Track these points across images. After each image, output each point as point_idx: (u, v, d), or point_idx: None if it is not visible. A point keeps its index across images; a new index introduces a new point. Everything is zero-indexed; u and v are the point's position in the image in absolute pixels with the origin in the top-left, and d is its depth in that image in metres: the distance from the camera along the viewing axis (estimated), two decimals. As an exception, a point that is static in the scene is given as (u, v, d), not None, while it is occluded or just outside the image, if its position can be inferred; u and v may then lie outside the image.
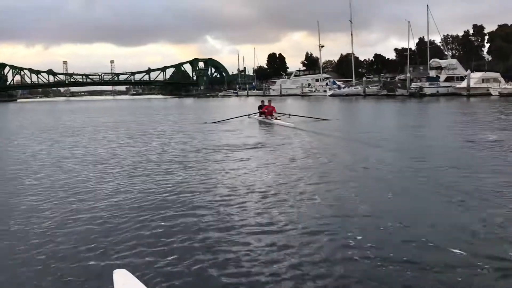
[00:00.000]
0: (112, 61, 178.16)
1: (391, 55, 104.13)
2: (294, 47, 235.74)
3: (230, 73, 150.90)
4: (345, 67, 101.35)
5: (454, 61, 63.74)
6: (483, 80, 57.74)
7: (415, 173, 8.52)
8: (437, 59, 65.44)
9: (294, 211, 6.01)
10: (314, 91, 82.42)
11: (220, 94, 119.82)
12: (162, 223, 5.51)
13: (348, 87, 77.31)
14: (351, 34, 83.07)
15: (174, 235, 5.06)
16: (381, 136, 15.26)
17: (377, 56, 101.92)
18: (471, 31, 79.21)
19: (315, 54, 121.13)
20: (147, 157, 11.39)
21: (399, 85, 66.43)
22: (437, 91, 60.47)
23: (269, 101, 22.85)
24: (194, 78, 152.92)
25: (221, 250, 4.59)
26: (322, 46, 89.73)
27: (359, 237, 4.88)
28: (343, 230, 5.12)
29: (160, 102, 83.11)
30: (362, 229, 5.18)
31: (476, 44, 79.13)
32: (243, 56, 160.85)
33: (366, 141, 13.84)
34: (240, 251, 4.56)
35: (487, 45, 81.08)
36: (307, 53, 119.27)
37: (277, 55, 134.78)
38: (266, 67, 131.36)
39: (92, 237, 5.07)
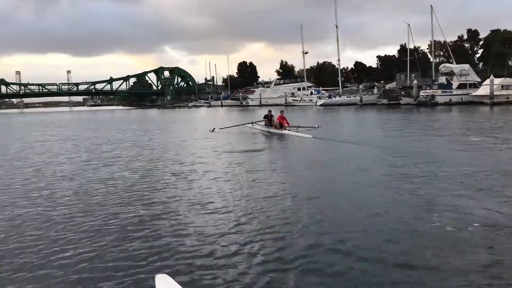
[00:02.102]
0: (68, 71, 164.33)
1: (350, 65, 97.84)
2: (253, 57, 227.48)
3: (197, 82, 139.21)
4: (323, 75, 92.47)
5: (467, 66, 55.00)
6: (503, 87, 49.08)
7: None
8: (448, 64, 56.61)
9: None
10: (300, 100, 71.92)
11: (190, 104, 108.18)
12: (203, 229, 5.41)
13: (340, 96, 67.62)
14: (337, 40, 73.47)
15: (216, 240, 4.95)
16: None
17: (358, 64, 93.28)
18: (465, 36, 71.50)
19: (290, 62, 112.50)
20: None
21: (403, 93, 57.12)
22: (450, 100, 51.37)
23: (281, 111, 19.90)
24: (159, 87, 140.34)
25: (266, 256, 4.47)
26: (306, 53, 79.92)
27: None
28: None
29: (123, 114, 71.60)
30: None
31: (468, 50, 71.14)
32: (215, 64, 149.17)
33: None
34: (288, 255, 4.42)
35: (480, 51, 73.37)
36: (282, 61, 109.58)
37: (248, 64, 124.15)
38: (236, 76, 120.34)
39: (134, 241, 4.99)
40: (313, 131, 18.61)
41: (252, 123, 20.85)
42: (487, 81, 49.51)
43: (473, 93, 50.07)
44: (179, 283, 3.66)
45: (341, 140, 16.56)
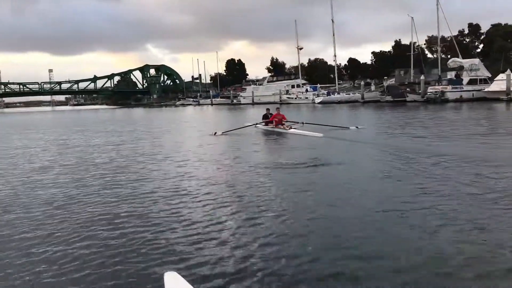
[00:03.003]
0: (50, 70, 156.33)
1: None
2: (236, 55, 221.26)
3: (184, 80, 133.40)
4: (315, 72, 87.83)
5: (477, 60, 50.80)
6: (517, 82, 45.07)
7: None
8: (457, 59, 52.26)
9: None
10: (295, 98, 67.17)
11: (178, 103, 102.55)
12: (212, 226, 5.29)
13: (338, 93, 63.18)
14: (333, 35, 68.75)
15: (226, 238, 4.85)
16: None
17: (352, 61, 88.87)
18: (466, 31, 67.56)
19: (280, 59, 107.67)
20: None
21: (408, 89, 52.89)
22: (461, 96, 47.20)
23: (278, 108, 19.64)
24: (145, 86, 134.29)
25: (278, 254, 4.33)
26: (301, 48, 75.04)
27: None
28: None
29: (108, 113, 66.29)
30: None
31: (468, 44, 67.23)
32: (203, 61, 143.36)
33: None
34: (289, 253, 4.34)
35: (480, 46, 69.54)
36: (272, 58, 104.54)
37: (236, 61, 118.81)
38: (225, 73, 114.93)
39: (143, 238, 4.92)
40: (324, 131, 16.38)
41: (256, 124, 19.58)
42: (501, 76, 45.40)
43: (486, 89, 45.93)
44: (188, 280, 3.65)
45: (357, 140, 14.51)
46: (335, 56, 69.87)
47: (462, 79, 48.39)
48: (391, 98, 53.24)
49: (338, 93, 62.83)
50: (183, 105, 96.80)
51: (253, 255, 4.34)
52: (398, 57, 75.18)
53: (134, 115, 55.75)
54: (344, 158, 10.41)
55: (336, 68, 70.66)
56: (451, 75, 49.95)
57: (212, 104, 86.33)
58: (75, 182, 8.49)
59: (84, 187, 8.03)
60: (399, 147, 12.13)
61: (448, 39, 67.09)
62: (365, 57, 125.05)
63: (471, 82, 48.42)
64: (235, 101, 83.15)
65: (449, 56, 75.83)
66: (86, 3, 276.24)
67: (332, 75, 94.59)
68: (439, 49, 55.57)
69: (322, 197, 6.71)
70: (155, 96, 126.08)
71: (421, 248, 4.38)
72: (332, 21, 68.46)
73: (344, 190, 7.11)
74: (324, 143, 14.01)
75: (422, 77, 51.00)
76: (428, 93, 48.65)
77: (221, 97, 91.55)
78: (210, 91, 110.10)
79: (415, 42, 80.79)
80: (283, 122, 18.17)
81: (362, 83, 60.80)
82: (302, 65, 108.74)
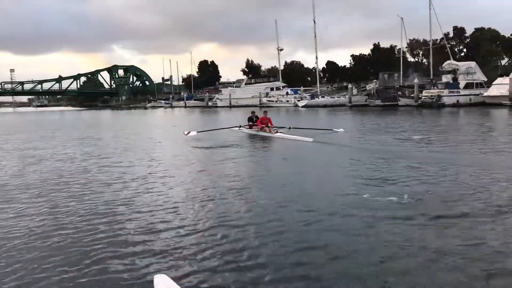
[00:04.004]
0: (12, 70, 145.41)
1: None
2: (206, 58, 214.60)
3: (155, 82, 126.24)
4: (292, 75, 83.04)
5: (473, 63, 47.09)
6: (516, 86, 41.46)
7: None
8: (453, 61, 48.46)
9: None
10: (276, 101, 62.04)
11: (149, 105, 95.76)
12: (203, 230, 5.27)
13: (323, 97, 58.59)
14: (315, 36, 64.05)
15: (216, 241, 4.84)
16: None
17: (330, 64, 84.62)
18: (451, 34, 64.27)
19: (256, 62, 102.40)
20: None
21: (400, 93, 48.75)
22: (457, 101, 43.30)
23: (265, 112, 17.97)
24: (113, 87, 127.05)
25: (263, 258, 4.34)
26: (281, 50, 69.82)
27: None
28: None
29: (74, 115, 60.73)
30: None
31: (451, 49, 63.93)
32: (176, 62, 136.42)
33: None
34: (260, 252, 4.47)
35: (464, 50, 66.45)
36: (248, 60, 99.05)
37: (209, 63, 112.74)
38: (197, 75, 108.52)
39: (133, 241, 4.90)
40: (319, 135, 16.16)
41: (240, 126, 18.32)
42: (500, 80, 41.80)
43: (485, 94, 42.18)
44: (178, 283, 3.66)
45: (349, 145, 13.73)
46: (316, 58, 65.71)
47: (459, 83, 44.51)
48: (381, 102, 49.18)
49: (323, 97, 58.19)
50: (154, 107, 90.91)
51: (240, 257, 4.39)
52: (378, 61, 72.09)
53: (101, 118, 50.44)
54: (338, 164, 9.95)
55: (317, 71, 66.13)
56: (447, 78, 46.00)
57: (186, 107, 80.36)
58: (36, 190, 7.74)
59: (44, 197, 7.31)
60: (401, 154, 11.25)
61: (433, 42, 64.17)
62: (339, 61, 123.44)
63: (468, 86, 44.69)
64: (210, 103, 77.17)
65: (431, 60, 73.49)
66: (50, 3, 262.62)
67: (309, 78, 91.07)
68: (431, 51, 51.46)
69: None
70: (124, 97, 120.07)
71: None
72: (314, 21, 63.92)
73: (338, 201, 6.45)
74: (314, 148, 13.37)
75: (416, 80, 46.91)
76: (423, 97, 44.53)
77: (194, 99, 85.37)
78: (182, 93, 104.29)
79: (395, 45, 78.35)
80: (269, 126, 17.07)
81: (350, 86, 56.30)
82: (274, 68, 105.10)
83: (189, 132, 16.29)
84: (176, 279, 3.72)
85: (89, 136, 20.25)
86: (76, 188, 7.95)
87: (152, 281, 3.64)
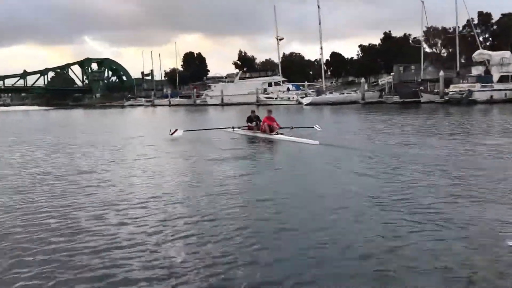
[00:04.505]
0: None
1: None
2: (189, 50, 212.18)
3: (133, 77, 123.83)
4: (292, 69, 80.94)
5: (508, 53, 45.06)
6: None
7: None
8: (484, 51, 46.62)
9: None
10: (276, 98, 59.89)
11: (127, 103, 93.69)
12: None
13: (331, 93, 56.65)
14: (319, 23, 61.92)
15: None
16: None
17: (335, 55, 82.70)
18: (475, 20, 62.51)
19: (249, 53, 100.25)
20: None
21: (422, 88, 46.91)
22: (491, 96, 41.47)
23: (269, 111, 17.23)
24: (86, 83, 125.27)
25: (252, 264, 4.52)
26: (281, 39, 67.66)
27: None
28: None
29: (41, 116, 58.75)
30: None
31: (472, 37, 62.33)
32: (159, 54, 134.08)
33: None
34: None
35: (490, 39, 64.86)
36: (240, 51, 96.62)
37: (195, 55, 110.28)
38: (182, 69, 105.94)
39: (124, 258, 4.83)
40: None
41: (233, 127, 18.36)
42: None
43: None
44: None
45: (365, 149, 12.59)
46: (321, 48, 63.26)
47: (492, 76, 42.68)
48: (399, 98, 47.34)
49: (331, 93, 56.15)
50: (133, 106, 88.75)
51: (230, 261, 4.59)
52: (390, 51, 70.39)
53: (72, 119, 47.93)
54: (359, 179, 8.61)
55: (322, 63, 64.18)
56: (478, 70, 44.14)
57: (170, 105, 78.08)
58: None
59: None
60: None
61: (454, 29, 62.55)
62: (344, 53, 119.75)
63: (502, 79, 42.82)
64: (198, 101, 74.92)
65: (450, 50, 71.86)
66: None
67: (311, 72, 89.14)
68: (457, 39, 49.63)
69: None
70: (98, 95, 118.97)
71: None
72: (318, 6, 61.86)
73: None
74: (321, 153, 12.61)
75: (441, 73, 44.96)
76: (451, 93, 42.62)
77: (180, 97, 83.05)
78: (165, 89, 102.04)
79: (409, 34, 76.94)
80: (274, 129, 16.23)
81: (363, 80, 54.34)
82: (269, 60, 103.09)
83: (175, 131, 16.17)
84: None
85: (59, 143, 17.89)
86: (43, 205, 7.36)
87: None
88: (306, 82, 64.76)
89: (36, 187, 8.78)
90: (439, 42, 69.86)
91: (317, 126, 18.10)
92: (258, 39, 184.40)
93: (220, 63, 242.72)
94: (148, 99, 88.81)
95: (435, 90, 46.09)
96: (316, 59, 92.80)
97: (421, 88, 46.51)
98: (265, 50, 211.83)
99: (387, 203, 6.69)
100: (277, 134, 15.86)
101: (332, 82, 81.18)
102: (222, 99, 68.47)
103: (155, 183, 8.68)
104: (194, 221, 5.99)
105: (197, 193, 7.60)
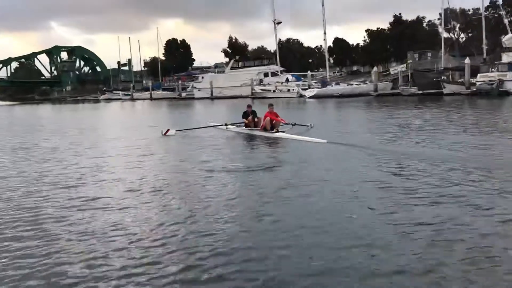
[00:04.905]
0: None
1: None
2: (170, 37, 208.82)
3: (108, 67, 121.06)
4: (289, 57, 78.64)
5: (544, 37, 43.39)
6: None
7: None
8: (518, 34, 44.70)
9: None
10: (274, 90, 57.50)
11: (102, 97, 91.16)
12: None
13: (338, 84, 54.43)
14: (322, 5, 59.70)
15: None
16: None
17: (338, 42, 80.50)
18: (499, 1, 60.55)
19: (241, 40, 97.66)
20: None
21: (444, 77, 44.85)
22: (525, 87, 39.56)
23: (271, 105, 16.50)
24: (54, 74, 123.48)
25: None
26: (279, 23, 64.93)
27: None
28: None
29: (3, 113, 55.60)
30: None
31: (496, 20, 60.51)
32: (138, 40, 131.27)
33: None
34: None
35: None
36: (230, 37, 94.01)
37: (179, 42, 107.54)
38: (164, 58, 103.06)
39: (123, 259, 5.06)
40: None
41: (226, 124, 17.59)
42: None
43: None
44: None
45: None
46: (325, 33, 60.91)
47: (526, 63, 40.72)
48: (418, 89, 45.33)
49: (338, 84, 53.84)
50: (109, 100, 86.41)
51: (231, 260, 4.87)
52: (403, 35, 68.70)
53: (39, 116, 45.33)
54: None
55: (327, 49, 61.80)
56: (510, 56, 42.04)
57: (152, 99, 75.42)
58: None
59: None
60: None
61: (474, 11, 60.83)
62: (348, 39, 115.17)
63: (537, 67, 40.84)
64: (184, 94, 72.33)
65: (470, 35, 70.12)
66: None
67: (310, 60, 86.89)
68: (483, 21, 47.50)
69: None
70: (68, 88, 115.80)
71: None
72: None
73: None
74: (332, 153, 11.99)
75: (467, 60, 42.86)
76: (478, 83, 40.52)
77: (163, 90, 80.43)
78: (145, 81, 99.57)
79: (423, 17, 75.10)
80: (276, 128, 15.91)
81: (375, 69, 52.09)
82: (263, 48, 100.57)
83: (167, 131, 16.38)
84: None
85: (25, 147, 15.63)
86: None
87: None
88: (309, 71, 62.11)
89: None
90: (457, 26, 67.76)
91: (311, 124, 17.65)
92: (247, 24, 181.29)
93: (205, 52, 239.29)
94: (126, 92, 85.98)
95: (459, 80, 43.97)
96: (316, 46, 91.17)
97: (443, 78, 44.31)
98: (255, 37, 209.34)
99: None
100: (278, 132, 15.48)
101: (335, 72, 79.18)
102: (212, 91, 65.78)
103: (143, 199, 7.90)
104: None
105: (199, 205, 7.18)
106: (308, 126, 17.12)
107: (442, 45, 51.02)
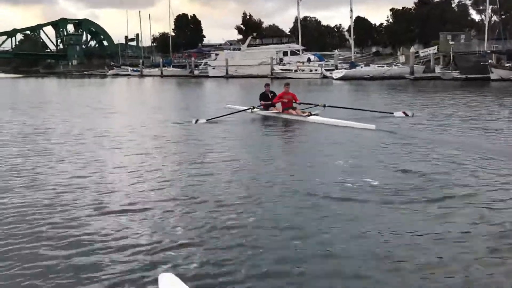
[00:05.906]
0: None
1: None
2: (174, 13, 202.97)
3: (116, 41, 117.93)
4: (306, 36, 74.21)
5: None
6: None
7: None
8: None
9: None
10: (296, 70, 53.36)
11: (110, 72, 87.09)
12: (211, 223, 5.49)
13: (368, 65, 50.76)
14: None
15: (224, 237, 5.10)
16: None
17: (360, 21, 75.82)
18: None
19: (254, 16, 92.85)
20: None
21: (491, 61, 40.66)
22: None
23: (287, 85, 15.96)
24: (60, 47, 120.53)
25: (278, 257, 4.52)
26: (302, -1, 60.61)
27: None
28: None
29: (7, 86, 54.38)
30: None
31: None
32: (149, 14, 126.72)
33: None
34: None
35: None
36: (244, 13, 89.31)
37: (190, 18, 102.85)
38: (174, 34, 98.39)
39: (137, 239, 5.12)
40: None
41: (252, 108, 16.33)
42: None
43: None
44: (185, 282, 3.81)
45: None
46: (351, 11, 56.88)
47: None
48: (460, 74, 41.31)
49: (368, 65, 49.85)
50: (117, 75, 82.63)
51: (250, 256, 4.60)
52: (430, 15, 64.65)
53: (43, 91, 41.18)
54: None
55: (352, 28, 57.47)
56: None
57: (162, 76, 71.51)
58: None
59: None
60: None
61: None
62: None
63: None
64: (197, 72, 68.20)
65: (503, 17, 65.63)
66: None
67: (328, 39, 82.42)
68: None
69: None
70: (74, 62, 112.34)
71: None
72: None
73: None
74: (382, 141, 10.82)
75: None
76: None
77: (173, 66, 76.29)
78: (153, 57, 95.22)
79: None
80: (294, 106, 15.37)
81: (412, 50, 47.89)
82: (275, 26, 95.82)
83: (197, 120, 15.26)
84: (183, 278, 3.93)
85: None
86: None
87: (156, 280, 3.84)
88: (337, 51, 57.84)
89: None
90: (490, 7, 63.32)
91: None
92: (257, 1, 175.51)
93: (213, 30, 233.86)
94: (135, 68, 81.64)
95: (507, 65, 39.80)
96: (336, 25, 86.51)
97: (490, 61, 40.06)
98: (263, 16, 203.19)
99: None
100: (310, 115, 14.65)
101: (356, 52, 75.28)
102: (227, 70, 61.51)
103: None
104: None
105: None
106: (322, 107, 15.44)
107: (486, 27, 46.51)
